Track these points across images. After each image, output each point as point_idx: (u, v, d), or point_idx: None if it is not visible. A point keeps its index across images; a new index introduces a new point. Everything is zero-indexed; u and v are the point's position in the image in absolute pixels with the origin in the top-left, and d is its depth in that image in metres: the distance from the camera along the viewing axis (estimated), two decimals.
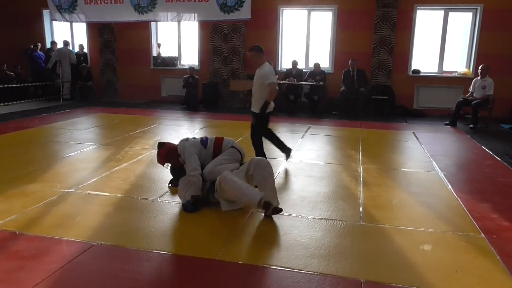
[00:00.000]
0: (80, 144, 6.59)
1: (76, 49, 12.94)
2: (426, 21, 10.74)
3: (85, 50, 12.89)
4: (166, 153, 4.22)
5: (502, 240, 3.40)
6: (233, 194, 3.75)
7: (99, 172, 5.07)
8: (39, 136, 7.24)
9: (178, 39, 12.47)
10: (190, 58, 12.43)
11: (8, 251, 3.07)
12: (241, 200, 3.77)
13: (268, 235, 3.44)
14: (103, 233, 3.41)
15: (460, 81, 10.41)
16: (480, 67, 9.00)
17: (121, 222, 3.65)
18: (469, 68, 10.53)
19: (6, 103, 10.53)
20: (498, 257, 3.11)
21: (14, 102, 10.82)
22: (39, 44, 12.66)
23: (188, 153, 4.07)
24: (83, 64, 12.34)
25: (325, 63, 11.25)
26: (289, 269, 2.87)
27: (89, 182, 4.69)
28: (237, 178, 3.79)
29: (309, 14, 11.32)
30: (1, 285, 2.61)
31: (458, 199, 4.38)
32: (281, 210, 3.73)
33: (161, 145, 4.29)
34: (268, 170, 3.93)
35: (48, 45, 12.99)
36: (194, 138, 4.43)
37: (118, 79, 12.79)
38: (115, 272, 2.84)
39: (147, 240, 3.28)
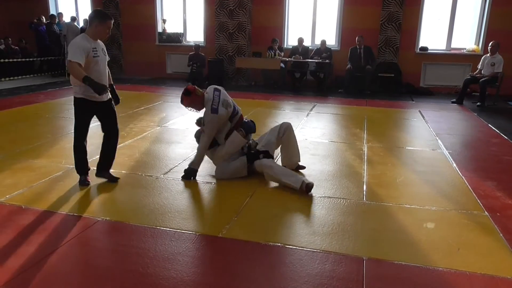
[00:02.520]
0: None
1: (81, 24, 12.81)
2: None
3: None
4: (189, 103, 4.09)
5: (505, 218, 3.39)
6: (277, 179, 3.97)
7: None
8: (45, 112, 7.26)
9: (183, 15, 12.30)
10: (196, 34, 12.30)
11: (15, 224, 3.12)
12: (285, 183, 3.90)
13: (272, 213, 3.46)
14: (108, 209, 3.45)
15: (469, 58, 10.25)
16: (490, 44, 8.83)
17: (125, 198, 3.68)
18: (478, 45, 10.34)
19: (11, 78, 10.52)
20: (501, 234, 3.11)
21: (20, 77, 10.81)
22: (43, 18, 12.53)
23: (209, 130, 4.01)
24: None
25: (331, 40, 11.09)
26: (292, 247, 2.89)
27: (94, 158, 4.68)
28: (278, 166, 4.11)
29: None
30: (8, 258, 2.66)
31: (463, 177, 4.36)
32: (303, 167, 4.47)
33: (188, 93, 4.05)
34: (293, 133, 4.45)
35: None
36: (226, 100, 4.07)
37: (123, 55, 12.71)
38: (119, 247, 2.87)
39: (152, 217, 3.30)
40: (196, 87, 4.14)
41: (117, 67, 12.65)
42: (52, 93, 9.24)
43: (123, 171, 4.31)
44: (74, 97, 3.81)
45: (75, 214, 3.31)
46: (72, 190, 3.79)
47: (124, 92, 9.52)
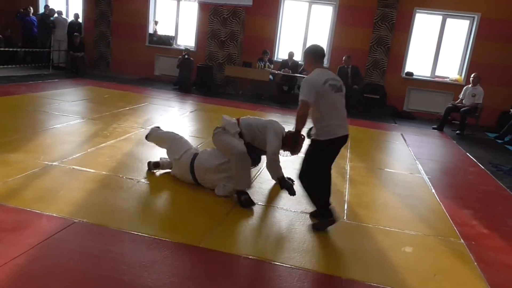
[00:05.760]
0: (67, 116, 6.46)
1: (71, 18, 12.64)
2: (424, 25, 10.77)
3: (80, 20, 12.60)
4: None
5: (480, 247, 3.46)
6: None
7: (85, 147, 4.98)
8: (25, 104, 7.08)
9: (176, 18, 12.27)
10: (187, 39, 12.26)
11: None
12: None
13: (253, 226, 3.44)
14: (86, 210, 3.35)
15: (451, 87, 10.50)
16: (472, 76, 9.07)
17: (104, 200, 3.59)
18: (461, 75, 10.63)
19: None
20: (475, 263, 3.17)
21: (1, 66, 10.53)
22: (31, 8, 12.28)
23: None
24: (75, 34, 12.06)
25: None
26: (271, 262, 2.87)
27: (74, 156, 4.61)
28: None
29: (310, 7, 11.26)
30: None
31: (441, 203, 4.43)
32: None
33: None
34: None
35: (42, 10, 12.64)
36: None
37: (111, 53, 12.57)
38: (95, 252, 2.79)
39: (131, 222, 3.23)
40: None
41: (104, 64, 12.54)
42: (34, 85, 9.03)
43: (103, 172, 4.22)
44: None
45: (50, 213, 3.20)
46: (49, 189, 3.68)
47: (110, 90, 9.43)
